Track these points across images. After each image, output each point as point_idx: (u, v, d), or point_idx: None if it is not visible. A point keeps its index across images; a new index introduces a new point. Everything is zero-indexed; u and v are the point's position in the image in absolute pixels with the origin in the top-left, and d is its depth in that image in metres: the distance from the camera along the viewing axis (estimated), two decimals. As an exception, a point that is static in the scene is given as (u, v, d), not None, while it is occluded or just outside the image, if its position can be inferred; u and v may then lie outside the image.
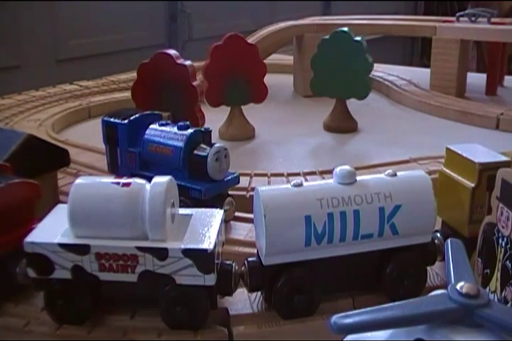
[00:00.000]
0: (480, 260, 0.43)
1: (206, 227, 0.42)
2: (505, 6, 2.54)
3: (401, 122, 1.00)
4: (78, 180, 0.42)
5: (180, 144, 0.56)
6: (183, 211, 0.45)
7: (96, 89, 1.12)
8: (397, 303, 0.27)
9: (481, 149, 0.49)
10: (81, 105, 1.02)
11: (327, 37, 0.90)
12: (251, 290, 0.44)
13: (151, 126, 0.59)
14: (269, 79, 0.88)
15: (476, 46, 2.41)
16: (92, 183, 0.42)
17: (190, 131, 0.57)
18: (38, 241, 0.41)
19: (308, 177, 0.70)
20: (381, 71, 1.23)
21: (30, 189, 0.46)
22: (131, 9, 1.76)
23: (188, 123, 0.58)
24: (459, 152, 0.48)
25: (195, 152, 0.56)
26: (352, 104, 0.93)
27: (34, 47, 1.53)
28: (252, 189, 0.64)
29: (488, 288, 0.42)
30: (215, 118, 0.86)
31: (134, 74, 0.85)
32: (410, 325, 0.27)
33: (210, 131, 0.58)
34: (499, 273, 0.41)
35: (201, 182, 0.55)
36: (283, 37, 1.16)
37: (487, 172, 0.46)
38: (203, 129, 0.58)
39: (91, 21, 1.65)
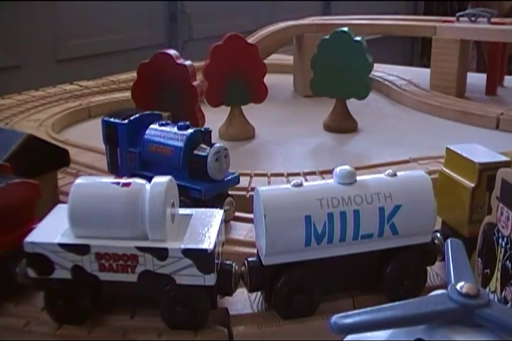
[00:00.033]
0: (480, 260, 0.43)
1: (206, 227, 0.42)
2: (505, 6, 2.54)
3: (401, 122, 1.00)
4: (78, 180, 0.42)
5: (180, 144, 0.56)
6: (183, 211, 0.45)
7: (96, 89, 1.12)
8: (397, 303, 0.27)
9: (481, 149, 0.49)
10: (81, 105, 1.02)
11: (327, 37, 0.90)
12: (251, 290, 0.44)
13: (151, 126, 0.59)
14: (269, 79, 0.88)
15: (476, 46, 2.41)
16: (92, 183, 0.42)
17: (190, 131, 0.57)
18: (38, 241, 0.41)
19: (308, 177, 0.70)
20: (381, 71, 1.23)
21: (30, 189, 0.46)
22: (131, 9, 1.76)
23: (188, 123, 0.58)
24: (459, 152, 0.48)
25: (195, 152, 0.56)
26: (352, 104, 0.93)
27: (34, 47, 1.53)
28: (252, 189, 0.64)
29: (488, 288, 0.42)
30: (215, 118, 0.86)
31: (134, 74, 0.85)
32: (410, 325, 0.27)
33: (210, 131, 0.58)
34: (499, 273, 0.41)
35: (201, 182, 0.55)
36: (283, 37, 1.16)
37: (487, 172, 0.46)
38: (203, 129, 0.58)
39: (91, 21, 1.65)
